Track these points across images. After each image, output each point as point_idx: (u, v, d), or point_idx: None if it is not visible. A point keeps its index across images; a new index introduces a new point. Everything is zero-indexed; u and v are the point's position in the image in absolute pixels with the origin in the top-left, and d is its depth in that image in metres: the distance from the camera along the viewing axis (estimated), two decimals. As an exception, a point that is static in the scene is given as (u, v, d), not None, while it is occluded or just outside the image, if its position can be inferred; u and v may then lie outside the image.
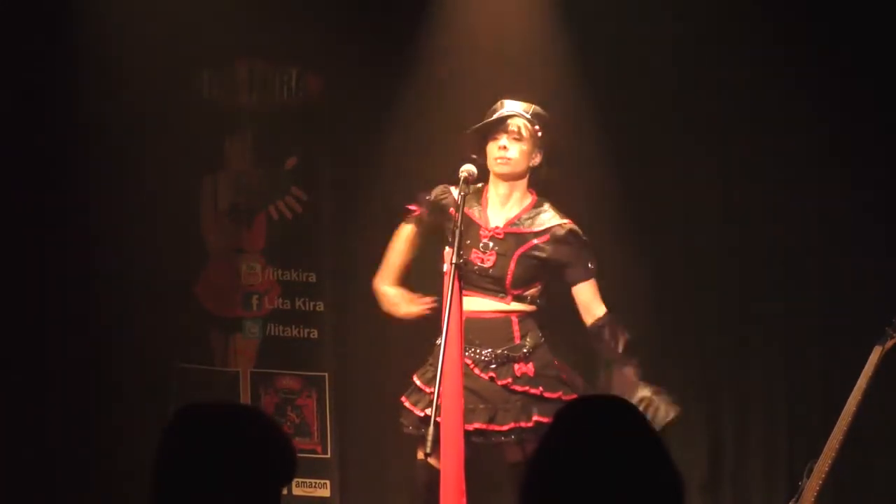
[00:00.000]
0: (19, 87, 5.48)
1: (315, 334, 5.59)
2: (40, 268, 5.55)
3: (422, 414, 4.69)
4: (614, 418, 2.22)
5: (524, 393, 4.75)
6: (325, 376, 5.56)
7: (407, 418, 4.81)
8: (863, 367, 4.56)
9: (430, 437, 4.23)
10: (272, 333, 5.61)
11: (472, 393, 4.69)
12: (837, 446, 4.57)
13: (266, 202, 5.61)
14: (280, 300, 5.61)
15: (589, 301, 4.84)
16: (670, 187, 5.23)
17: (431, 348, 4.78)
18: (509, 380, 4.75)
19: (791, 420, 5.14)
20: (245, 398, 5.55)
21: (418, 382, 4.82)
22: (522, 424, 4.69)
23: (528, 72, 5.22)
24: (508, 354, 4.77)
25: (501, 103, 4.86)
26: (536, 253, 4.82)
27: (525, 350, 4.79)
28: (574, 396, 4.69)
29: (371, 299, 5.24)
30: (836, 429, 4.57)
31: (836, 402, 4.61)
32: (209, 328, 5.64)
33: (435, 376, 4.47)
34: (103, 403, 5.51)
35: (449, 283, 4.45)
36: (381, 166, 5.39)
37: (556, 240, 4.83)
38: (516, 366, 4.77)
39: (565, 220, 4.85)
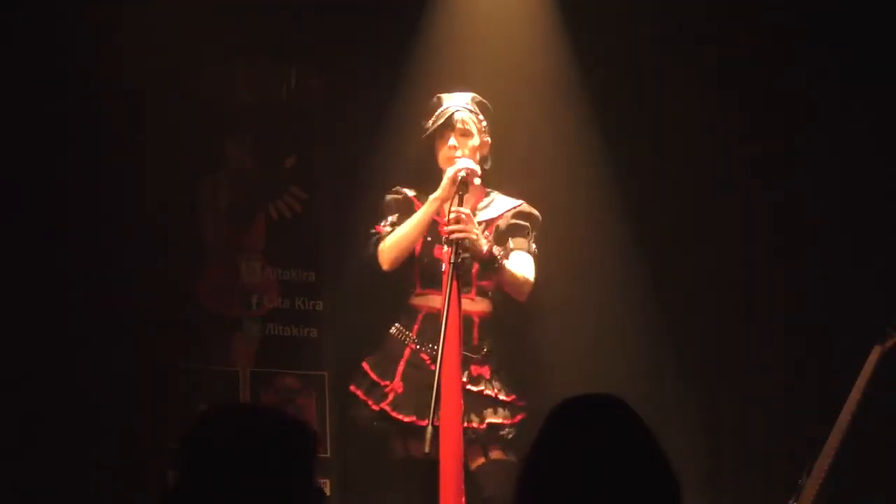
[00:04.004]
0: (18, 87, 5.48)
1: (315, 334, 5.58)
2: (40, 267, 5.54)
3: (376, 408, 4.73)
4: (609, 417, 2.22)
5: (478, 394, 4.76)
6: (324, 376, 5.55)
7: (362, 410, 4.81)
8: (863, 366, 4.56)
9: (429, 436, 4.24)
10: (272, 333, 5.61)
11: (428, 390, 4.68)
12: (837, 446, 4.56)
13: (266, 201, 5.61)
14: (280, 300, 5.61)
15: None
16: (671, 185, 5.22)
17: (382, 337, 4.84)
18: (465, 380, 4.74)
19: (791, 419, 5.13)
20: (245, 398, 5.55)
21: (372, 374, 4.83)
22: (474, 425, 4.69)
23: (530, 71, 5.22)
24: (466, 355, 4.76)
25: (439, 99, 4.90)
26: (496, 233, 4.86)
27: (484, 350, 4.82)
28: (523, 403, 4.75)
29: (371, 299, 5.24)
30: (835, 428, 4.57)
31: (836, 401, 4.60)
32: (209, 328, 5.63)
33: (389, 370, 4.64)
34: (103, 403, 5.50)
35: (448, 283, 4.45)
36: (381, 165, 5.39)
37: (513, 215, 4.89)
38: (472, 367, 4.79)
39: (519, 202, 4.91)
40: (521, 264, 4.82)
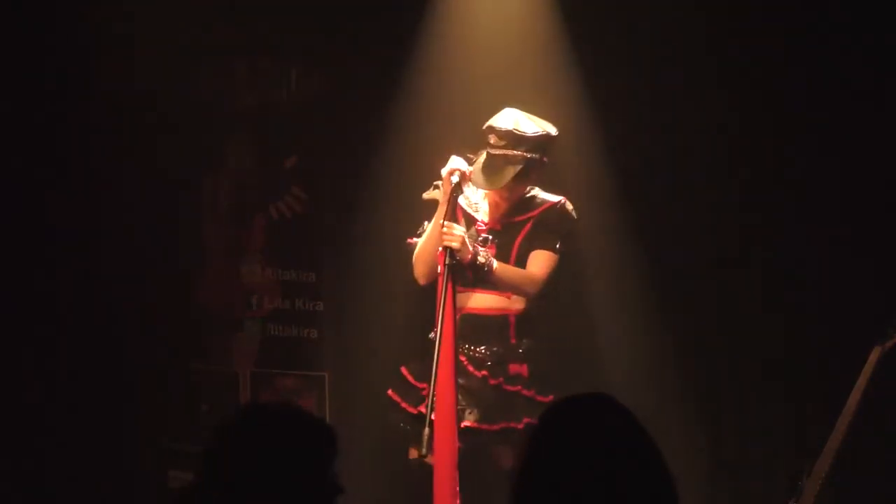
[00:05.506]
0: (18, 87, 5.48)
1: (315, 334, 5.59)
2: (40, 267, 5.55)
3: (414, 412, 4.69)
4: (603, 416, 2.21)
5: (516, 393, 4.73)
6: (324, 376, 5.56)
7: (398, 414, 4.79)
8: (863, 366, 4.55)
9: (426, 437, 4.22)
10: (272, 333, 5.61)
11: (465, 391, 4.69)
12: (837, 446, 4.55)
13: (266, 201, 5.61)
14: (280, 300, 5.61)
15: (532, 267, 4.75)
16: (673, 186, 5.22)
17: (423, 343, 4.76)
18: (501, 379, 4.73)
19: (791, 420, 5.13)
20: (245, 398, 5.55)
21: (410, 377, 4.80)
22: (512, 425, 4.67)
23: (530, 71, 5.22)
24: (503, 353, 4.75)
25: (489, 130, 4.74)
26: (532, 230, 4.79)
27: (521, 350, 4.78)
28: None
29: (371, 299, 5.23)
30: (835, 429, 4.55)
31: (836, 401, 4.60)
32: (209, 328, 5.64)
33: (428, 373, 4.46)
34: (103, 403, 5.51)
35: (443, 284, 4.44)
36: (381, 165, 5.39)
37: (546, 211, 4.81)
38: (511, 365, 4.76)
39: (559, 198, 4.83)
40: (532, 262, 4.77)
